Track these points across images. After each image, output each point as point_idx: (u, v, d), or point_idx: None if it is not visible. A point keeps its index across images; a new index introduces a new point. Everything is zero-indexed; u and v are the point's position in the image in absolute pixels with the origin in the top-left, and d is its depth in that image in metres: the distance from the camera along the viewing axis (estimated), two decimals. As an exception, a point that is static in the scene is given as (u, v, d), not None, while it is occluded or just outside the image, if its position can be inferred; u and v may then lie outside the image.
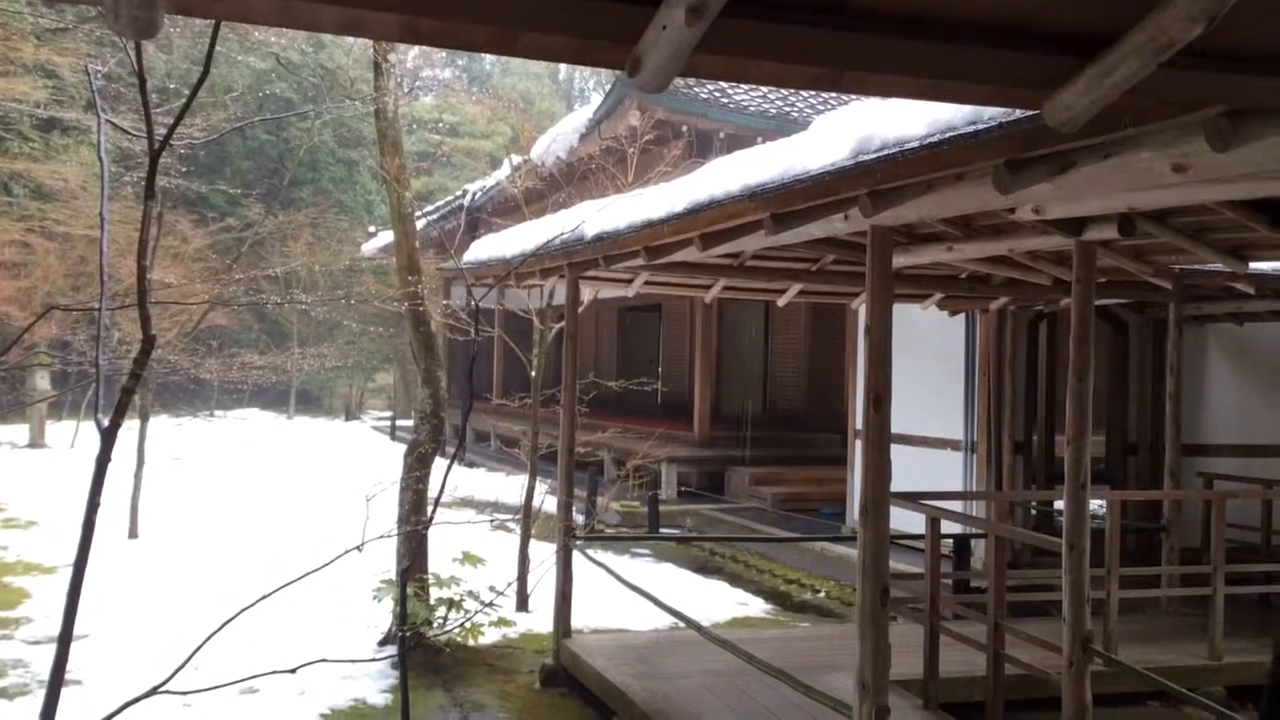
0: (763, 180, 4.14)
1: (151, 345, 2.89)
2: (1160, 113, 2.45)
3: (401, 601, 5.85)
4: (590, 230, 6.31)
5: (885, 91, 2.16)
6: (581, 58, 1.92)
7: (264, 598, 3.52)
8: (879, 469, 4.29)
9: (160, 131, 3.29)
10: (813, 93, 14.68)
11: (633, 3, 1.78)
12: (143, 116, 3.25)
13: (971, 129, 2.82)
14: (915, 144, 3.11)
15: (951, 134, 2.91)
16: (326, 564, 3.58)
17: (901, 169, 3.27)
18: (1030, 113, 2.35)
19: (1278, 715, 5.13)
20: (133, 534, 11.95)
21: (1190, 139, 2.59)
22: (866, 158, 3.36)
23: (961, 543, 8.14)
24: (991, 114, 2.77)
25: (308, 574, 3.60)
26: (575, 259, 6.77)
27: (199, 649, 3.32)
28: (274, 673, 3.69)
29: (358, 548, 3.68)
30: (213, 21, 3.31)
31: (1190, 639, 7.19)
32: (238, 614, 3.39)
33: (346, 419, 33.19)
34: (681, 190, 5.20)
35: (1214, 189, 3.55)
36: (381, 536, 4.12)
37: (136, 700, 3.18)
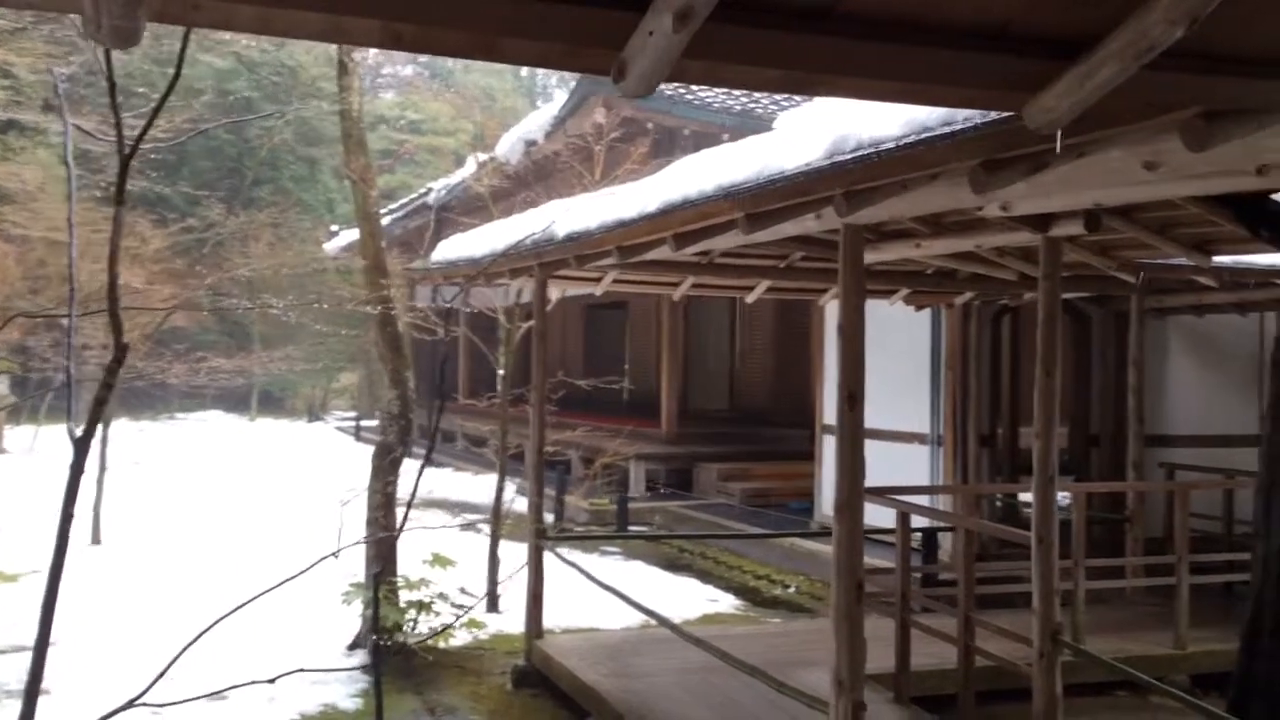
0: (737, 180, 4.13)
1: (124, 354, 2.85)
2: (1139, 114, 2.47)
3: (374, 606, 5.81)
4: (561, 230, 6.28)
5: (863, 94, 2.17)
6: (566, 63, 1.90)
7: (239, 608, 3.48)
8: (854, 466, 4.30)
9: (129, 135, 3.24)
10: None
11: (618, 8, 1.77)
12: (108, 120, 3.21)
13: (948, 130, 2.82)
14: (891, 145, 3.11)
15: (928, 135, 2.92)
16: (303, 571, 3.55)
17: (877, 170, 3.27)
18: (1006, 114, 2.37)
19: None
20: (95, 540, 11.78)
21: (1163, 138, 2.61)
22: (842, 158, 3.36)
23: (929, 536, 8.19)
24: (967, 115, 2.77)
25: (285, 581, 3.56)
26: (546, 259, 6.75)
27: (174, 661, 3.28)
28: (251, 683, 3.66)
29: (334, 554, 3.64)
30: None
31: (1155, 628, 7.27)
32: (210, 626, 3.36)
33: (310, 420, 32.86)
34: (653, 190, 5.19)
35: (1184, 185, 3.59)
36: (356, 543, 4.09)
37: (115, 713, 3.14)
